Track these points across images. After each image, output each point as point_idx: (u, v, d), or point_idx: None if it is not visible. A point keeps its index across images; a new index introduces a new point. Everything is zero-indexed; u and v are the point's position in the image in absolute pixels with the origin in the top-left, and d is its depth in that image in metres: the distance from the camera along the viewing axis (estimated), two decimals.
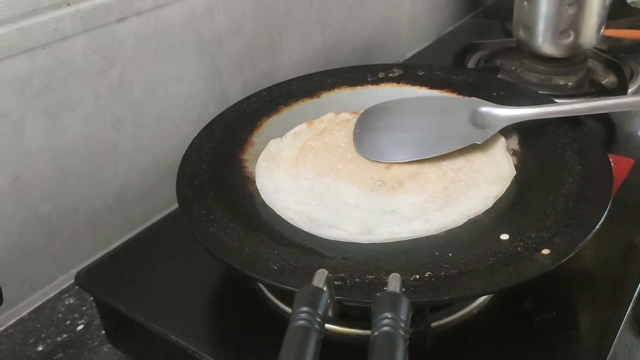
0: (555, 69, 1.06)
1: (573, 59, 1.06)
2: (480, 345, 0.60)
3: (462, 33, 1.43)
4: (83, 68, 0.73)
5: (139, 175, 0.83)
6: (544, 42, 1.03)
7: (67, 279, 0.77)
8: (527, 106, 0.75)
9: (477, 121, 0.74)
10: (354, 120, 0.78)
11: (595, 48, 1.07)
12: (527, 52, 1.08)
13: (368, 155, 0.73)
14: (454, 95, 0.82)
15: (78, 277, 0.69)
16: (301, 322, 0.41)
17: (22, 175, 0.70)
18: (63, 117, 0.72)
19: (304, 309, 0.41)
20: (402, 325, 0.40)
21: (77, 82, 0.72)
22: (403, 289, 0.50)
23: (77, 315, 0.73)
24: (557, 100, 0.79)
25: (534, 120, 0.73)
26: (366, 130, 0.76)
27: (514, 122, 0.74)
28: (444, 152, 0.71)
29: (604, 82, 1.03)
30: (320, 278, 0.45)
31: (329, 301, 0.43)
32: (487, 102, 0.76)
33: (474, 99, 0.78)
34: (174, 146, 0.84)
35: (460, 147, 0.71)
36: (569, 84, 1.05)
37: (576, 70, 1.06)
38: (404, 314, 0.41)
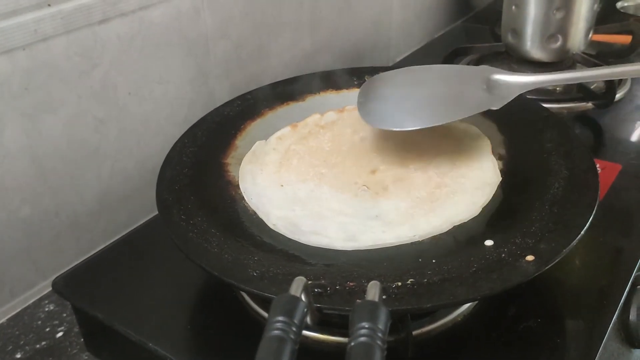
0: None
1: (561, 63, 1.05)
2: (464, 353, 0.59)
3: (452, 37, 1.42)
4: (64, 69, 0.71)
5: (123, 178, 0.82)
6: (532, 46, 1.02)
7: (47, 285, 0.75)
8: (542, 73, 0.72)
9: (492, 89, 0.71)
10: (340, 122, 0.77)
11: (584, 53, 1.06)
12: (515, 57, 1.07)
13: (375, 123, 0.70)
14: (464, 65, 0.80)
15: (55, 283, 0.67)
16: (276, 332, 0.39)
17: (1, 177, 0.68)
18: (44, 118, 0.70)
19: (280, 318, 0.40)
20: (380, 335, 0.38)
21: (58, 83, 0.71)
22: (384, 297, 0.49)
23: (57, 322, 0.72)
24: (545, 105, 0.78)
25: (520, 124, 0.72)
26: (371, 99, 0.73)
27: (528, 89, 0.71)
28: (459, 118, 0.69)
29: (592, 87, 1.02)
30: (297, 286, 0.43)
31: (305, 310, 0.41)
32: (500, 69, 0.73)
33: (485, 67, 0.75)
34: (159, 149, 0.82)
35: (476, 112, 0.69)
36: (557, 88, 1.04)
37: None
38: (382, 323, 0.39)
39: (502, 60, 1.12)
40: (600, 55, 1.10)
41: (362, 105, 0.72)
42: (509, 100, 0.68)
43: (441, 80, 0.74)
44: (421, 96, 0.72)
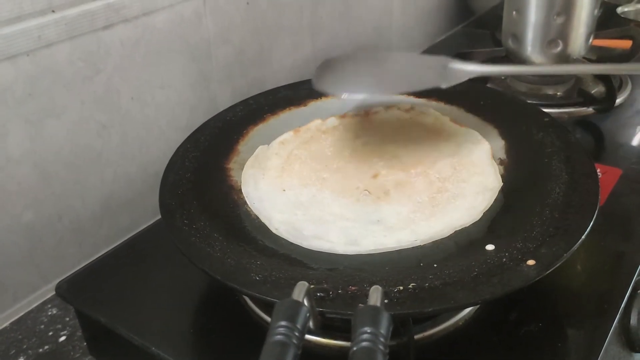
0: (544, 79, 1.05)
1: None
2: (465, 357, 0.59)
3: (453, 42, 1.42)
4: (68, 75, 0.71)
5: (126, 182, 0.82)
6: (533, 51, 1.02)
7: (50, 289, 0.75)
8: (492, 64, 0.77)
9: (445, 74, 0.73)
10: (342, 127, 0.77)
11: (584, 58, 1.06)
12: (516, 61, 1.07)
13: (326, 87, 0.71)
14: (424, 55, 0.82)
15: (59, 287, 0.68)
16: (279, 336, 0.39)
17: (5, 182, 0.69)
18: (47, 124, 0.71)
19: (282, 323, 0.40)
20: (382, 340, 0.39)
21: (61, 89, 0.71)
22: (386, 300, 0.50)
23: (59, 326, 0.72)
24: (545, 110, 0.78)
25: (521, 128, 0.73)
26: (326, 72, 0.74)
27: (477, 76, 0.73)
28: (408, 90, 0.72)
29: (592, 92, 1.02)
30: (300, 291, 0.43)
31: (308, 315, 0.41)
32: (455, 59, 0.75)
33: (443, 57, 0.77)
34: (162, 154, 0.83)
35: (424, 88, 0.72)
36: (558, 93, 1.04)
37: (565, 79, 1.05)
38: (384, 328, 0.39)
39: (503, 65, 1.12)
40: (601, 60, 1.10)
41: (317, 75, 0.74)
42: (458, 82, 0.72)
43: (398, 62, 0.77)
44: (376, 71, 0.74)
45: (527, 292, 0.53)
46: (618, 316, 0.62)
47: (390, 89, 0.71)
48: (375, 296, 0.42)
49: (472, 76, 0.73)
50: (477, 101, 0.80)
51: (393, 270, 0.56)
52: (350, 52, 0.79)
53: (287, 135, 0.77)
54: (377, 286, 0.43)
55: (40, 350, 0.69)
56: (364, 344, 0.38)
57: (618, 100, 0.99)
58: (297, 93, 0.84)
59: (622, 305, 0.64)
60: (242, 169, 0.71)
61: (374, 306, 0.41)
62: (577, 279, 0.67)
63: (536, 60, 1.03)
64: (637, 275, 0.67)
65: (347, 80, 0.72)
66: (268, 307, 0.61)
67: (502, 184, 0.67)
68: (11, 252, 0.71)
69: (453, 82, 0.71)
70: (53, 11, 0.68)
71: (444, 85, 0.70)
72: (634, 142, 0.93)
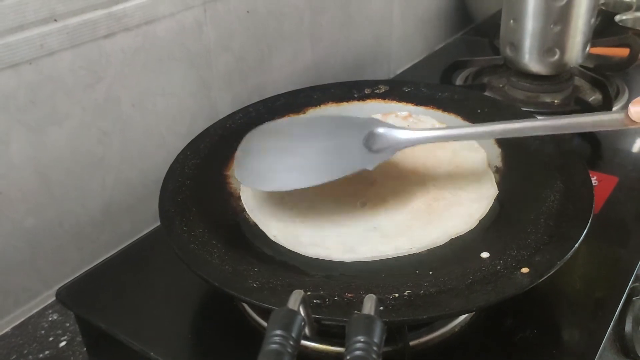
0: (542, 87, 1.05)
1: (559, 76, 1.05)
2: None
3: (452, 50, 1.42)
4: (69, 83, 0.72)
5: (127, 188, 0.82)
6: (530, 59, 1.02)
7: (51, 295, 0.75)
8: (430, 129, 0.70)
9: (373, 144, 0.66)
10: None
11: (581, 66, 1.07)
12: (513, 70, 1.07)
13: (246, 181, 0.66)
14: (351, 116, 0.77)
15: (59, 293, 0.68)
16: (274, 345, 0.39)
17: (7, 189, 0.69)
18: (49, 131, 0.71)
19: (277, 332, 0.40)
20: (375, 348, 0.39)
21: (63, 97, 0.71)
22: (381, 308, 0.50)
23: (60, 331, 0.72)
24: (539, 117, 0.78)
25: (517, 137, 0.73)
26: (249, 153, 0.70)
27: (411, 146, 0.67)
28: (334, 179, 0.63)
29: (590, 100, 1.03)
30: (295, 299, 0.44)
31: (303, 323, 0.42)
32: (384, 122, 0.69)
33: (371, 118, 0.73)
34: (162, 160, 0.83)
35: (349, 173, 0.63)
36: (555, 101, 1.05)
37: (562, 88, 1.06)
38: (377, 337, 0.40)
39: (501, 73, 1.12)
40: (598, 68, 1.11)
41: (238, 160, 0.69)
42: (385, 160, 0.65)
43: (323, 135, 0.70)
44: (302, 151, 0.67)
45: (523, 299, 0.53)
46: (613, 323, 0.62)
47: (311, 180, 0.63)
48: (369, 304, 0.43)
49: (403, 147, 0.66)
50: (474, 109, 0.80)
51: (389, 277, 0.56)
52: (273, 124, 0.74)
53: None
54: (371, 295, 0.44)
55: (41, 355, 0.69)
56: (357, 352, 0.39)
57: (615, 108, 0.99)
58: (296, 101, 0.85)
59: (617, 311, 0.64)
60: None
61: (368, 315, 0.41)
62: (572, 285, 0.67)
63: (534, 68, 1.03)
64: (632, 282, 0.67)
65: (266, 176, 0.66)
66: (266, 314, 0.61)
67: (497, 192, 0.67)
68: (13, 258, 0.71)
69: (379, 160, 0.64)
70: (55, 20, 0.68)
71: (369, 167, 0.63)
72: (631, 150, 0.93)
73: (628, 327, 0.69)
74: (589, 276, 0.69)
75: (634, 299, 0.69)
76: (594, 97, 1.05)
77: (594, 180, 0.77)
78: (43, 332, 0.72)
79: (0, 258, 0.70)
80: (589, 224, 0.58)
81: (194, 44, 0.85)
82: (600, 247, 0.72)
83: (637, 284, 0.70)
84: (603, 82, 1.02)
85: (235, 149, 0.74)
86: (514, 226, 0.61)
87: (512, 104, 0.96)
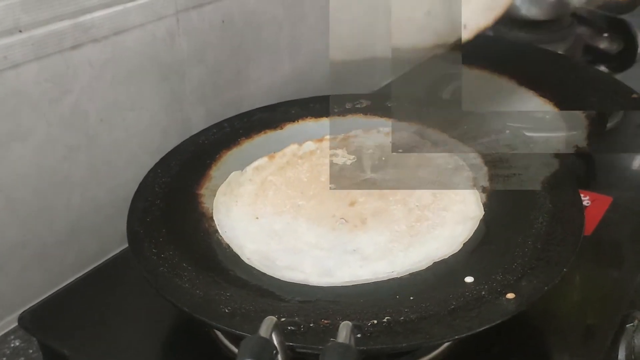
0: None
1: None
2: None
3: (439, 62, 1.43)
4: (34, 96, 0.72)
5: (94, 207, 0.82)
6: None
7: (13, 320, 0.75)
8: None
9: None
10: (318, 152, 0.78)
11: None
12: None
13: None
14: None
15: (22, 318, 0.68)
16: None
17: None
18: (12, 147, 0.71)
19: None
20: None
21: (27, 110, 0.71)
22: (358, 335, 0.50)
23: (22, 358, 0.72)
24: (532, 135, 0.79)
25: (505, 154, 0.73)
26: None
27: None
28: None
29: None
30: (267, 326, 0.44)
31: (275, 352, 0.42)
32: None
33: None
34: (132, 178, 0.83)
35: None
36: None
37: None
38: None
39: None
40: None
41: None
42: None
43: None
44: None
45: (510, 325, 0.53)
46: (606, 350, 0.63)
47: None
48: (344, 332, 0.43)
49: None
50: (460, 126, 0.81)
51: (368, 302, 0.56)
52: None
53: (262, 161, 0.78)
54: (347, 322, 0.44)
55: None
56: None
57: (609, 125, 0.98)
58: (274, 115, 0.86)
59: (610, 339, 0.64)
60: (215, 196, 0.72)
61: (342, 343, 0.42)
62: (563, 311, 0.68)
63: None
64: (626, 309, 0.68)
65: None
66: (239, 341, 0.61)
67: (483, 213, 0.68)
68: None
69: None
70: (20, 31, 0.69)
71: None
72: (625, 169, 0.93)
73: (621, 355, 0.69)
74: (581, 301, 0.69)
75: (627, 325, 0.69)
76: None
77: (587, 201, 0.78)
78: (4, 359, 0.72)
79: None
80: (578, 247, 0.59)
81: (165, 56, 0.85)
82: (592, 271, 0.72)
83: (631, 310, 0.70)
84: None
85: (209, 166, 0.75)
86: (500, 249, 0.62)
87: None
